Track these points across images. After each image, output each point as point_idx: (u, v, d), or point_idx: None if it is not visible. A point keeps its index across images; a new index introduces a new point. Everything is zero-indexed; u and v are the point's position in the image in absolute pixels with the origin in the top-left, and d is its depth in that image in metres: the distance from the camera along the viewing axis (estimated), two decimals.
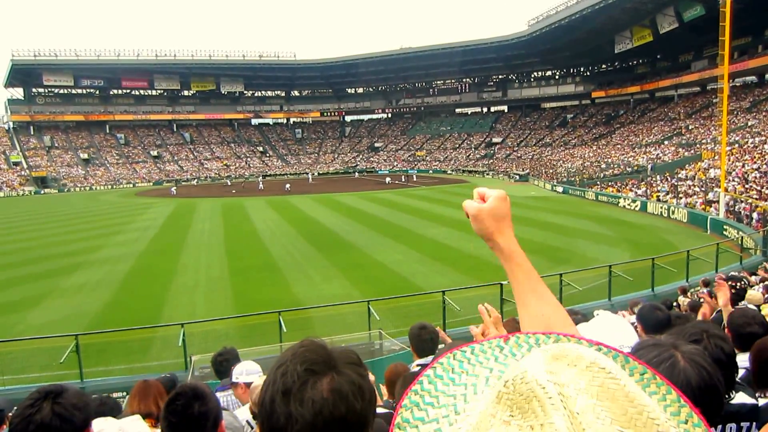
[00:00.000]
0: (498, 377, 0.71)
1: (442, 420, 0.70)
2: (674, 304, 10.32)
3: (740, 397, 2.17)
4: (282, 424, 0.90)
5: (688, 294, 12.01)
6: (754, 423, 2.10)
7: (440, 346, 4.59)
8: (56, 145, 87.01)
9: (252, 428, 3.13)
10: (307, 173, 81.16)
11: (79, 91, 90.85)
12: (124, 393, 8.73)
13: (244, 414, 3.29)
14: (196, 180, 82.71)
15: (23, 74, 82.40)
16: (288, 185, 59.82)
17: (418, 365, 3.79)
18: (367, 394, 0.95)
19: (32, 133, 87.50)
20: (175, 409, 2.11)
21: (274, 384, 0.93)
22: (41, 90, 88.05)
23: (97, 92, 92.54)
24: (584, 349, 0.66)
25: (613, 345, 1.94)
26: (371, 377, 1.16)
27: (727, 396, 2.07)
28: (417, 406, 0.72)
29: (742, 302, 5.25)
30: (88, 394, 1.87)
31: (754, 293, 6.02)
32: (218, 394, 3.79)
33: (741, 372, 2.85)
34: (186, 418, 2.10)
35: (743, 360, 2.93)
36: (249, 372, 3.83)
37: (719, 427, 2.05)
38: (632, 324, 4.15)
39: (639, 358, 1.41)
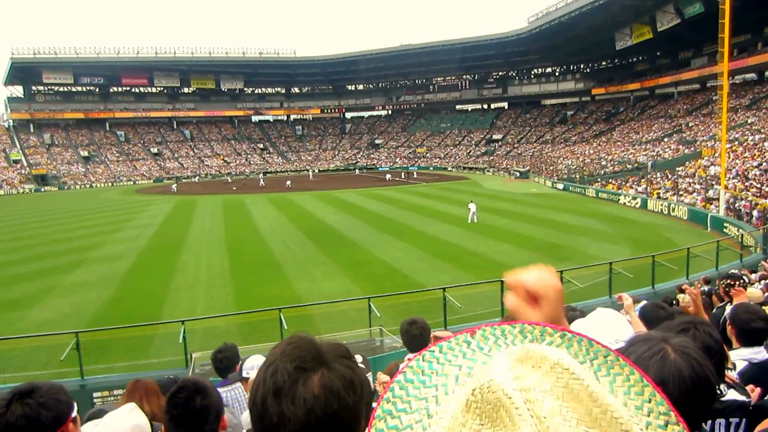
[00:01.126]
0: (467, 374, 0.72)
1: (416, 425, 0.69)
2: (674, 301, 10.32)
3: (731, 394, 2.20)
4: (275, 424, 0.90)
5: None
6: (744, 419, 2.12)
7: None
8: (56, 142, 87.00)
9: None
10: (308, 170, 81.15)
11: (79, 88, 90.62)
12: (123, 390, 8.74)
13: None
14: (196, 177, 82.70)
15: (23, 72, 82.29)
16: (289, 182, 60.03)
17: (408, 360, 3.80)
18: (358, 388, 0.95)
19: (32, 130, 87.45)
20: (177, 402, 2.14)
21: (265, 384, 0.93)
22: (41, 88, 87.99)
23: (97, 90, 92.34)
24: (548, 350, 0.66)
25: (607, 339, 1.96)
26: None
27: (719, 392, 2.09)
28: (390, 415, 0.71)
29: None
30: (66, 390, 1.88)
31: (754, 291, 6.06)
32: (219, 390, 3.80)
33: (743, 365, 2.86)
34: (188, 411, 2.12)
35: (746, 355, 2.94)
36: (259, 366, 3.83)
37: (708, 423, 2.07)
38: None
39: (631, 353, 1.43)
